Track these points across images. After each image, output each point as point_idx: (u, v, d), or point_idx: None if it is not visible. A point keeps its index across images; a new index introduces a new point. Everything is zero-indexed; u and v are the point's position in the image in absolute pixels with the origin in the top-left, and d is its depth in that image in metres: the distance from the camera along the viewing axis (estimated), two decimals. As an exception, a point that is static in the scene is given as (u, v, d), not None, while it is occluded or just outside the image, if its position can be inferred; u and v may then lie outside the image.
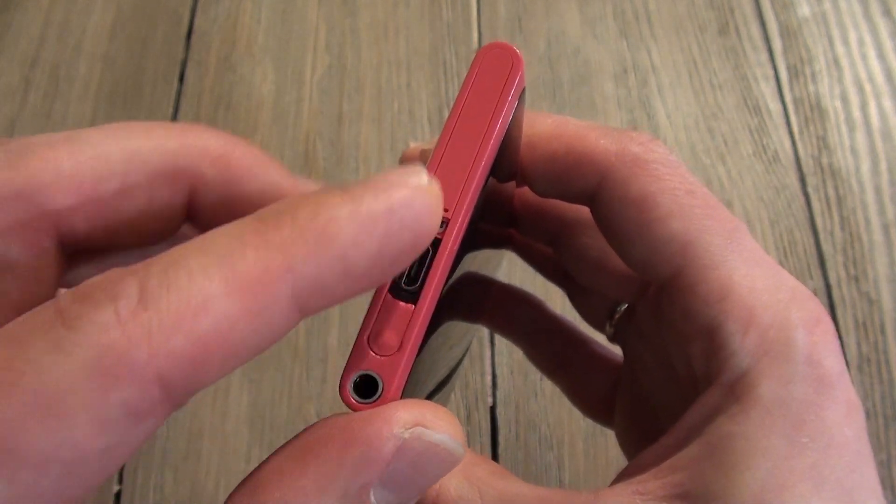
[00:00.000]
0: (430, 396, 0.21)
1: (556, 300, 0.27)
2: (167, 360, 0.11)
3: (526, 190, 0.21)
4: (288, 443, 0.13)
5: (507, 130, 0.16)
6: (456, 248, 0.15)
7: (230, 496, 0.13)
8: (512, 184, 0.21)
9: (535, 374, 0.35)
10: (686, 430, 0.17)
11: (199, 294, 0.11)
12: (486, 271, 0.23)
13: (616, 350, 0.25)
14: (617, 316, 0.24)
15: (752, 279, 0.17)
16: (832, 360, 0.17)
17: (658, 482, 0.16)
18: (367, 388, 0.14)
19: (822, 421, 0.16)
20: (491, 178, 0.16)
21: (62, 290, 0.12)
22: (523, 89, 0.16)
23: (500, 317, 0.27)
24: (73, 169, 0.15)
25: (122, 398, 0.10)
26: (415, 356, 0.14)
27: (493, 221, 0.21)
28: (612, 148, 0.19)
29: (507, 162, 0.18)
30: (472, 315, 0.25)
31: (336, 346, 0.35)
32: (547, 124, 0.20)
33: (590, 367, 0.25)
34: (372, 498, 0.13)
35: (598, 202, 0.19)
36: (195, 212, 0.17)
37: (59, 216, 0.15)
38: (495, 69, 0.15)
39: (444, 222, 0.15)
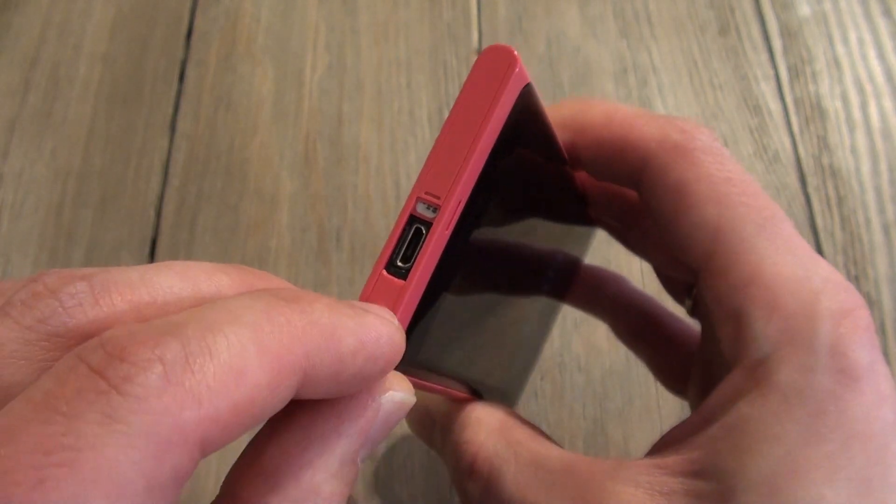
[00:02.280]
0: (511, 375, 0.24)
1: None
2: (210, 425, 0.11)
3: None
4: (277, 424, 0.14)
5: (514, 122, 0.17)
6: (448, 231, 0.16)
7: (234, 480, 0.14)
8: (561, 166, 0.22)
9: (535, 374, 0.35)
10: (710, 410, 0.18)
11: (238, 363, 0.11)
12: (572, 249, 0.25)
13: (696, 324, 0.26)
14: (695, 291, 0.24)
15: (781, 266, 0.18)
16: (860, 353, 0.16)
17: (677, 458, 0.17)
18: None
19: (843, 412, 0.16)
20: (507, 165, 0.17)
21: (87, 343, 0.12)
22: (527, 84, 0.17)
23: (584, 294, 0.27)
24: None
25: (174, 463, 0.10)
26: (405, 325, 0.16)
27: (552, 201, 0.22)
28: (655, 135, 0.19)
29: (528, 149, 0.19)
30: (559, 293, 0.26)
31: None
32: (599, 111, 0.21)
33: (669, 340, 0.26)
34: (359, 456, 0.15)
35: (642, 188, 0.20)
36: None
37: None
38: (492, 68, 0.16)
39: (437, 208, 0.16)
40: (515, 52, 0.16)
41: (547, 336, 0.27)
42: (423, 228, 0.16)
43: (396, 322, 0.15)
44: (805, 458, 0.16)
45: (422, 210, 0.16)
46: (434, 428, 0.22)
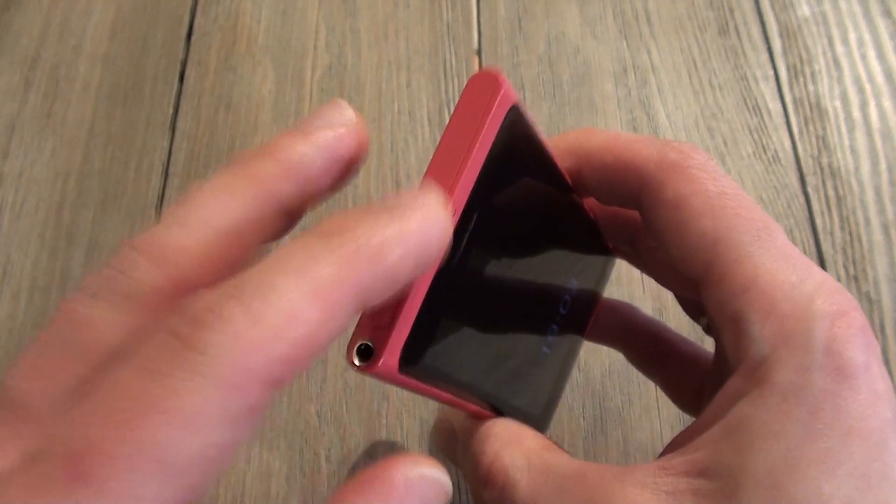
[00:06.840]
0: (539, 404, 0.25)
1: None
2: (274, 365, 0.13)
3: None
4: (346, 485, 0.16)
5: (503, 140, 0.18)
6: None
7: None
8: (566, 193, 0.23)
9: (534, 374, 0.35)
10: (713, 412, 0.18)
11: (290, 308, 0.13)
12: (589, 280, 0.26)
13: (710, 344, 0.26)
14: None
15: (777, 272, 0.18)
16: (854, 352, 0.17)
17: (681, 459, 0.18)
18: (365, 354, 0.17)
19: (840, 409, 0.16)
20: (502, 181, 0.19)
21: (171, 317, 0.14)
22: (513, 104, 0.18)
23: (598, 327, 0.28)
24: None
25: (247, 401, 0.13)
26: (406, 332, 0.17)
27: (559, 224, 0.23)
28: (653, 156, 0.21)
29: (522, 167, 0.20)
30: (578, 325, 0.26)
31: (336, 347, 0.35)
32: (601, 138, 0.22)
33: (681, 363, 0.27)
34: None
35: (642, 206, 0.21)
36: None
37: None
38: (480, 90, 0.18)
39: None
40: (502, 77, 0.17)
41: (570, 369, 0.27)
42: None
43: (440, 206, 0.16)
44: (804, 455, 0.16)
45: None
46: (456, 443, 0.24)
